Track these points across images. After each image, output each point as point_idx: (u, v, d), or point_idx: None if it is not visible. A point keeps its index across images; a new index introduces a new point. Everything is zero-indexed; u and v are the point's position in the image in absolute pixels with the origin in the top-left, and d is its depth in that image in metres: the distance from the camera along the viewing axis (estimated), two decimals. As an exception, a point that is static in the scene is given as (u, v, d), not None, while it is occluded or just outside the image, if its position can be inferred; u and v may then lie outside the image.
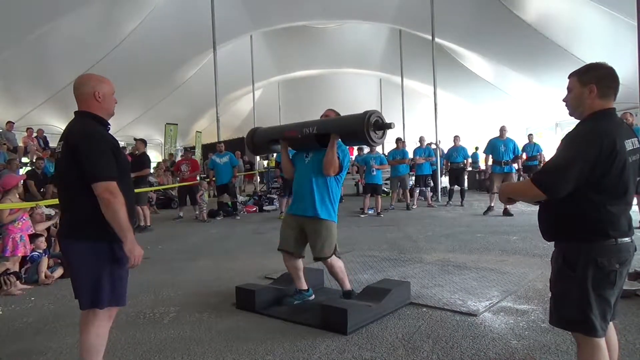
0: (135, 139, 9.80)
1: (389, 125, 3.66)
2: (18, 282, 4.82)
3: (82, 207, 2.29)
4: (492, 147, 9.59)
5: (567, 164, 1.90)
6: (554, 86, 10.90)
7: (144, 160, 9.24)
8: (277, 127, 4.36)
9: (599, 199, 1.93)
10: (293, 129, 3.93)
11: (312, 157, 3.85)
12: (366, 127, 3.51)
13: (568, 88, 2.09)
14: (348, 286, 3.93)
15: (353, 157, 16.54)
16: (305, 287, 4.03)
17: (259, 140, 4.28)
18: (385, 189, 12.58)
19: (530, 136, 13.58)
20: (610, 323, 2.07)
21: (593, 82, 1.98)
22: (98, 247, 2.29)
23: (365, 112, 3.57)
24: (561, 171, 1.91)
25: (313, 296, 4.06)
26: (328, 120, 3.88)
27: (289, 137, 3.97)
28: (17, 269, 5.02)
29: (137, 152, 9.50)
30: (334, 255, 3.77)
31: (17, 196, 5.63)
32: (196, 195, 10.39)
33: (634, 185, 2.00)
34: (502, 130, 9.71)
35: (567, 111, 2.12)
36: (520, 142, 12.58)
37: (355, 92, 24.48)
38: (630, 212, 2.05)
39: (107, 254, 2.30)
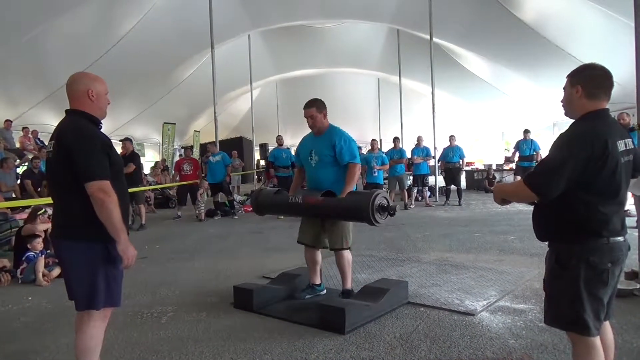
0: (121, 140, 9.43)
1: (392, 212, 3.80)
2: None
3: (75, 207, 2.26)
4: None
5: (559, 165, 1.90)
6: (552, 86, 10.88)
7: (133, 158, 9.02)
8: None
9: (591, 199, 1.93)
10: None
11: (316, 158, 3.86)
12: (371, 211, 3.61)
13: (563, 88, 2.11)
14: (349, 284, 3.93)
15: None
16: (318, 281, 4.07)
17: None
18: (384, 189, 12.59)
19: (526, 132, 11.78)
20: (607, 322, 2.08)
21: (580, 83, 2.00)
22: (92, 248, 2.26)
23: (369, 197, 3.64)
24: (553, 172, 1.92)
25: (325, 291, 4.11)
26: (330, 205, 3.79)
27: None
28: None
29: (126, 152, 9.00)
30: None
31: None
32: (197, 193, 10.36)
33: (626, 186, 2.01)
34: None
35: (563, 111, 2.14)
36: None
37: (353, 91, 24.46)
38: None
39: (102, 255, 2.26)
